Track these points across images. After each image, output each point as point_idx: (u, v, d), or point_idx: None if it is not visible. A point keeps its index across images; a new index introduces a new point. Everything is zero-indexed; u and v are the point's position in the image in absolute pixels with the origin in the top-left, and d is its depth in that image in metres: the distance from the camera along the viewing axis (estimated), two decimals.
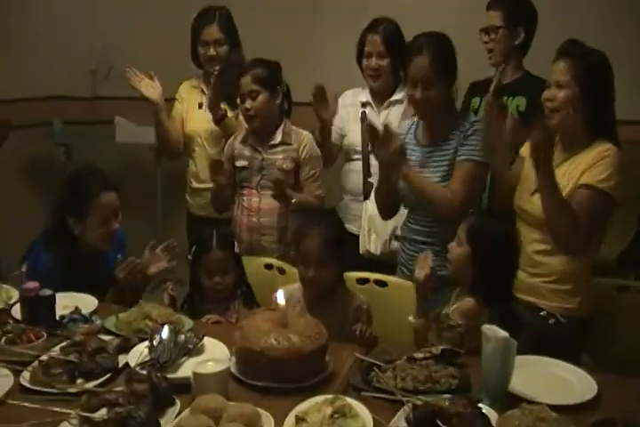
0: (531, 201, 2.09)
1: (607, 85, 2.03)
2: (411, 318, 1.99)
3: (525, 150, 2.23)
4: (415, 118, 2.40)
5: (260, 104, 2.53)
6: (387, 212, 2.48)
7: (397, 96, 2.76)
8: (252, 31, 3.87)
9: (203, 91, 2.94)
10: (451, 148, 2.25)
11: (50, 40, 4.11)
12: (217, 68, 2.72)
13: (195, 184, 2.99)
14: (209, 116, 2.78)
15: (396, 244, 2.65)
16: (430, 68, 2.18)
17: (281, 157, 2.57)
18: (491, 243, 1.90)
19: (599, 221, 2.03)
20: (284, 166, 2.56)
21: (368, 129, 2.25)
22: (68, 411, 1.44)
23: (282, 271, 2.46)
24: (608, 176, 1.98)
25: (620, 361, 2.23)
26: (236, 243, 2.61)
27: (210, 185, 2.75)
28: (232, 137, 2.72)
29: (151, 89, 2.88)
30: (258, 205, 2.59)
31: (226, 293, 2.26)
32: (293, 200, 2.51)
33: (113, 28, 4.12)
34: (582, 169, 2.00)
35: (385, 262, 2.57)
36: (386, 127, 2.18)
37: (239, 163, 2.64)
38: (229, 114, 2.80)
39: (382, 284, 2.36)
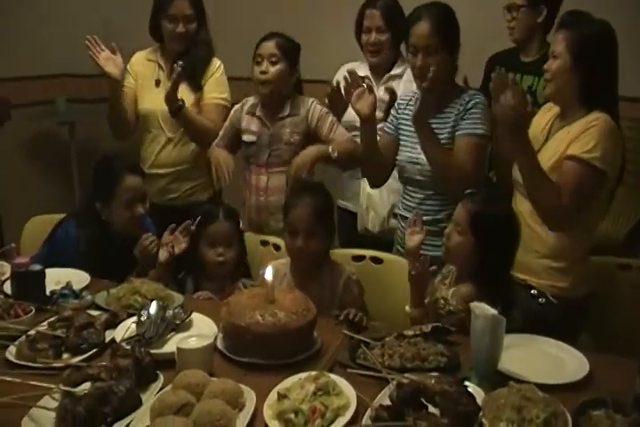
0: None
1: (605, 56, 1.94)
2: (407, 309, 1.95)
3: None
4: (416, 90, 2.35)
5: (278, 72, 2.45)
6: (372, 178, 2.44)
7: (397, 70, 2.72)
8: (247, 5, 3.85)
9: (160, 66, 2.75)
10: (450, 120, 2.22)
11: (51, 18, 4.09)
12: (180, 63, 2.48)
13: (148, 169, 2.70)
14: None
15: (394, 221, 2.63)
16: (430, 34, 2.14)
17: (288, 130, 2.49)
18: (494, 230, 1.85)
19: (585, 193, 1.92)
20: (292, 140, 2.49)
21: (332, 90, 2.26)
22: (50, 385, 1.43)
23: (277, 248, 2.44)
24: (593, 147, 1.88)
25: (620, 341, 2.20)
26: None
27: (167, 170, 2.68)
28: (239, 104, 2.61)
29: (112, 64, 2.60)
30: (266, 184, 2.52)
31: (227, 268, 2.22)
32: (330, 148, 2.40)
33: (114, 5, 4.09)
34: (569, 139, 1.94)
35: (382, 240, 2.54)
36: (368, 85, 2.17)
37: (247, 137, 2.55)
38: (190, 99, 2.65)
39: (378, 261, 2.34)
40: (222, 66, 2.73)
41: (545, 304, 2.02)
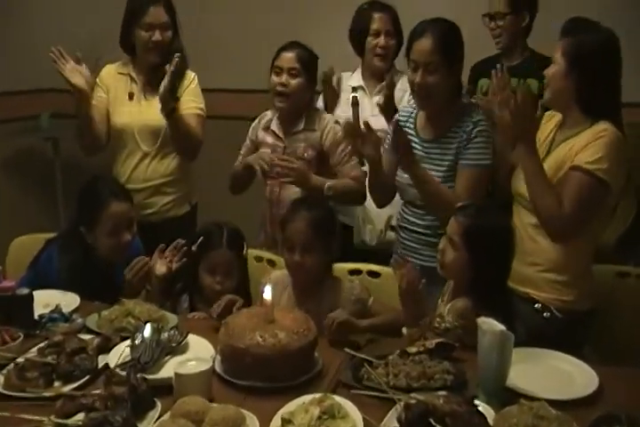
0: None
1: (605, 63, 1.91)
2: (404, 330, 1.89)
3: None
4: (413, 104, 2.31)
5: (297, 86, 2.39)
6: (379, 200, 2.40)
7: None
8: (237, 9, 3.77)
9: (133, 79, 2.64)
10: (453, 147, 2.16)
11: (36, 32, 4.02)
12: (178, 53, 2.41)
13: (125, 185, 2.56)
14: (142, 108, 2.57)
15: (391, 234, 2.59)
16: (432, 51, 2.08)
17: (303, 144, 2.44)
18: (488, 244, 1.80)
19: (589, 206, 1.89)
20: (305, 155, 2.43)
21: (346, 125, 2.17)
22: (41, 418, 1.36)
23: (272, 263, 2.39)
24: (599, 158, 1.86)
25: (623, 351, 2.16)
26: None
27: (144, 185, 2.60)
28: (257, 119, 2.58)
29: (78, 75, 2.46)
30: (278, 195, 2.48)
31: (224, 295, 2.06)
32: (326, 185, 2.36)
33: (100, 20, 4.02)
34: (576, 150, 1.91)
35: (378, 253, 2.50)
36: (366, 124, 2.10)
37: (262, 150, 2.52)
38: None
39: (375, 275, 2.30)
40: (196, 77, 2.68)
41: (550, 318, 1.97)
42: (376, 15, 2.68)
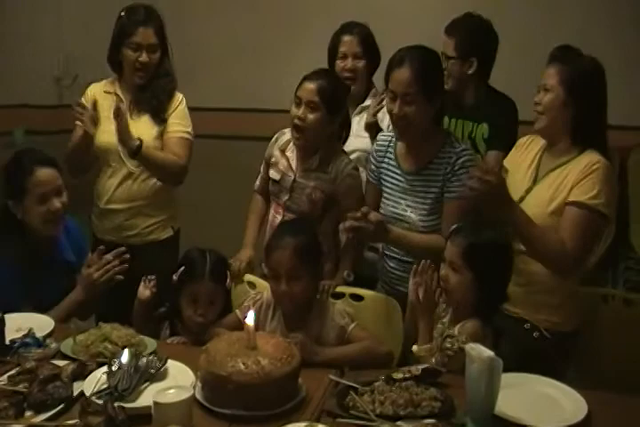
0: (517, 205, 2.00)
1: (596, 93, 1.96)
2: (415, 348, 1.85)
3: (508, 162, 2.17)
4: (392, 134, 2.28)
5: (314, 121, 2.25)
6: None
7: (369, 101, 2.67)
8: (215, 36, 3.77)
9: (119, 97, 2.59)
10: (437, 179, 2.12)
11: (14, 48, 3.97)
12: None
13: (102, 205, 2.60)
14: (132, 128, 2.47)
15: (370, 254, 2.55)
16: (410, 81, 2.03)
17: (312, 184, 2.33)
18: (489, 260, 1.80)
19: (592, 240, 1.95)
20: (313, 196, 2.33)
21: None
22: None
23: (252, 286, 2.34)
24: (598, 193, 1.89)
25: (606, 373, 2.15)
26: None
27: (125, 206, 2.55)
28: (274, 137, 2.47)
29: (92, 122, 2.45)
30: (278, 224, 2.37)
31: (206, 327, 2.01)
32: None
33: (76, 37, 3.99)
34: (571, 184, 1.92)
35: (360, 275, 2.45)
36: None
37: (272, 174, 2.43)
38: (153, 132, 2.53)
39: (358, 298, 2.25)
40: (184, 99, 2.63)
41: (538, 338, 1.97)
42: (345, 38, 2.65)
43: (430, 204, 2.13)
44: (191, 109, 2.68)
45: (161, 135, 2.55)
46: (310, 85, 2.26)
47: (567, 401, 1.61)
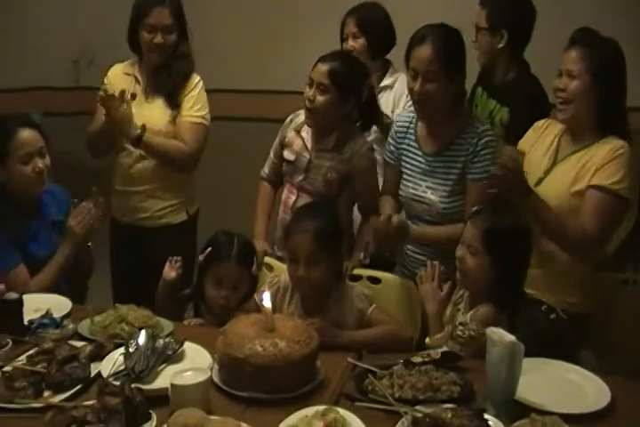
0: (534, 191, 1.96)
1: (620, 77, 1.92)
2: (427, 341, 1.82)
3: (524, 144, 2.13)
4: (411, 109, 2.24)
5: (324, 104, 2.22)
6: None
7: (386, 81, 2.64)
8: (229, 16, 3.73)
9: (137, 79, 2.56)
10: (459, 160, 2.09)
11: (27, 30, 3.96)
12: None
13: (119, 186, 2.59)
14: (142, 110, 2.45)
15: None
16: (432, 59, 2.00)
17: (328, 164, 2.30)
18: (509, 245, 1.76)
19: (613, 224, 1.93)
20: (329, 176, 2.30)
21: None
22: None
23: (270, 268, 2.32)
24: (622, 177, 1.87)
25: (625, 360, 2.12)
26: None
27: (138, 188, 2.53)
28: (288, 118, 2.44)
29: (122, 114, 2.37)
30: (293, 204, 2.37)
31: (229, 309, 1.99)
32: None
33: (92, 18, 3.97)
34: (594, 168, 1.89)
35: (376, 260, 2.42)
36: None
37: (286, 155, 2.40)
38: (166, 116, 2.48)
39: (375, 281, 2.23)
40: (202, 82, 2.59)
41: (555, 320, 1.95)
42: (347, 20, 2.66)
43: (451, 185, 2.10)
44: (207, 92, 2.64)
45: (174, 119, 2.51)
46: (322, 67, 2.23)
47: (589, 387, 1.58)
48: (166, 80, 2.48)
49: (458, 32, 2.10)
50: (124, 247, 2.65)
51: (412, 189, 2.15)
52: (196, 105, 2.53)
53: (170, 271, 2.07)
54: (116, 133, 2.48)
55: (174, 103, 2.49)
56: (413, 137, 2.20)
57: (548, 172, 2.00)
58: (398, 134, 2.24)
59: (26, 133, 2.11)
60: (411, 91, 2.09)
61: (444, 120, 2.11)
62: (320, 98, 2.22)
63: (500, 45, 2.44)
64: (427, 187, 2.14)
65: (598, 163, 1.89)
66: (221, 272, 2.00)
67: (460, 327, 1.73)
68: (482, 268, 1.77)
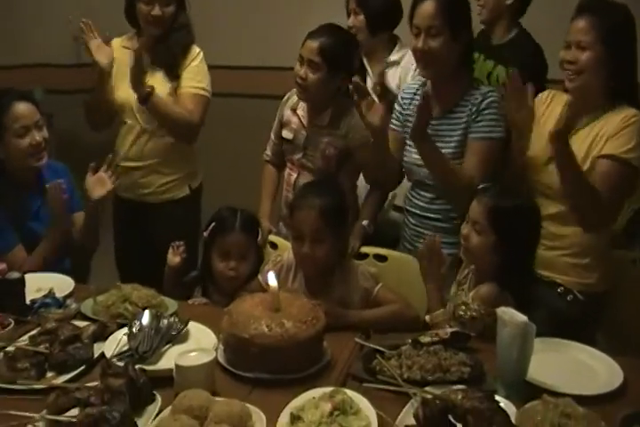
0: (545, 171, 1.92)
1: (631, 45, 1.85)
2: (427, 318, 1.80)
3: None
4: (420, 78, 2.19)
5: (316, 81, 2.19)
6: (385, 184, 2.31)
7: (393, 57, 2.57)
8: None
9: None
10: (461, 121, 2.05)
11: (29, 7, 3.89)
12: (142, 38, 2.33)
13: (121, 162, 2.54)
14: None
15: (395, 214, 2.49)
16: (434, 14, 1.96)
17: (325, 140, 2.27)
18: (515, 224, 1.73)
19: (623, 194, 1.87)
20: (327, 152, 2.28)
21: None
22: (33, 415, 1.27)
23: (274, 246, 2.29)
24: (634, 146, 1.80)
25: (633, 338, 2.10)
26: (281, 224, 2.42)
27: (140, 163, 2.51)
28: (285, 96, 2.42)
29: (103, 53, 2.42)
30: (294, 181, 2.35)
31: (238, 282, 1.99)
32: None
33: None
34: (606, 138, 1.83)
35: (381, 235, 2.39)
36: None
37: (285, 133, 2.38)
38: (166, 88, 2.44)
39: (382, 258, 2.20)
40: (202, 53, 2.54)
41: (572, 301, 1.92)
42: None
43: (454, 147, 2.06)
44: (211, 68, 2.59)
45: (175, 91, 2.48)
46: (312, 44, 2.19)
47: (601, 368, 1.56)
48: (165, 52, 2.44)
49: None
50: (127, 224, 2.64)
51: (416, 153, 2.10)
52: (196, 76, 2.50)
53: (174, 257, 2.06)
54: (107, 98, 2.48)
55: (174, 75, 2.46)
56: (419, 103, 2.15)
57: None
58: (404, 101, 2.20)
59: (21, 107, 2.09)
60: (414, 50, 2.05)
61: (448, 82, 2.07)
62: (312, 75, 2.20)
63: (509, 2, 2.45)
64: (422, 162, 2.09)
65: (610, 132, 1.83)
66: (227, 244, 2.00)
67: (462, 307, 1.71)
68: (486, 246, 1.74)
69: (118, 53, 2.53)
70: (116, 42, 2.59)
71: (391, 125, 2.24)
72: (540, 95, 2.05)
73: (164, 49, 2.44)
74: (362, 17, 2.54)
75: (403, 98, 2.22)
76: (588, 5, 1.85)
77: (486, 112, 2.02)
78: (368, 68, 2.61)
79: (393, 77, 2.58)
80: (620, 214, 1.98)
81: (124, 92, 2.48)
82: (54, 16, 3.87)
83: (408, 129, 2.16)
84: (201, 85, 2.50)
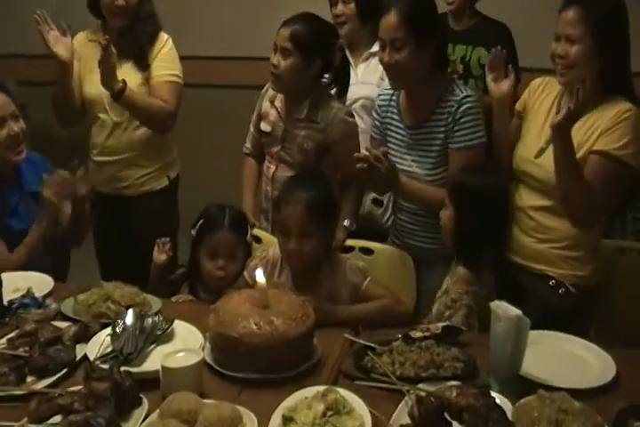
0: (536, 163, 1.89)
1: (624, 35, 1.80)
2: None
3: (520, 107, 2.04)
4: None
5: (288, 68, 2.14)
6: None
7: (375, 48, 2.50)
8: None
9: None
10: (440, 131, 2.00)
11: None
12: (107, 37, 2.22)
13: (97, 157, 2.52)
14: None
15: (373, 208, 2.46)
16: (397, 26, 1.90)
17: (303, 133, 2.22)
18: (472, 200, 1.77)
19: (616, 192, 1.83)
20: (305, 146, 2.23)
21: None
22: (12, 424, 1.21)
23: (258, 240, 2.25)
24: (627, 143, 1.76)
25: (620, 330, 2.08)
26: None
27: (116, 157, 2.46)
28: (266, 86, 2.35)
29: (61, 45, 2.34)
30: (272, 174, 2.31)
31: (227, 281, 1.94)
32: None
33: None
34: (598, 132, 1.79)
35: (360, 229, 2.35)
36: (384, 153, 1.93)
37: (263, 126, 2.33)
38: (137, 79, 2.40)
39: (368, 252, 2.16)
40: (170, 40, 2.49)
41: (564, 294, 1.90)
42: None
43: (435, 157, 2.03)
44: (186, 58, 2.54)
45: (147, 81, 2.43)
46: (285, 31, 2.15)
47: (594, 360, 1.54)
48: (133, 42, 2.40)
49: None
50: (107, 218, 2.58)
51: (398, 164, 2.05)
52: (168, 64, 2.45)
53: (159, 255, 2.00)
54: (71, 92, 2.42)
55: (144, 65, 2.41)
56: (395, 109, 2.11)
57: (549, 142, 1.90)
58: (382, 108, 2.15)
59: None
60: (381, 61, 2.00)
61: (422, 89, 2.02)
62: (283, 63, 2.15)
63: None
64: (412, 160, 2.06)
65: (602, 127, 1.79)
66: (215, 242, 1.94)
67: (444, 297, 1.74)
68: (449, 220, 1.81)
69: (84, 47, 2.48)
70: (81, 35, 2.54)
71: (372, 133, 2.21)
72: (532, 83, 2.02)
73: (132, 39, 2.39)
74: (352, 5, 2.49)
75: (380, 105, 2.16)
76: None
77: (463, 120, 1.98)
78: (351, 60, 2.56)
79: (376, 68, 2.53)
80: (608, 213, 1.95)
81: (93, 86, 2.42)
82: (24, 5, 3.76)
83: (388, 137, 2.13)
84: (174, 72, 2.46)
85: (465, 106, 1.98)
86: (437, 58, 2.01)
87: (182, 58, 2.53)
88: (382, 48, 1.97)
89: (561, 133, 1.71)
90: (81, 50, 2.48)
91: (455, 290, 1.76)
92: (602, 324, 2.08)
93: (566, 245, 1.89)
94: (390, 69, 1.98)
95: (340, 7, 2.51)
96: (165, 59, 2.45)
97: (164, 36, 2.47)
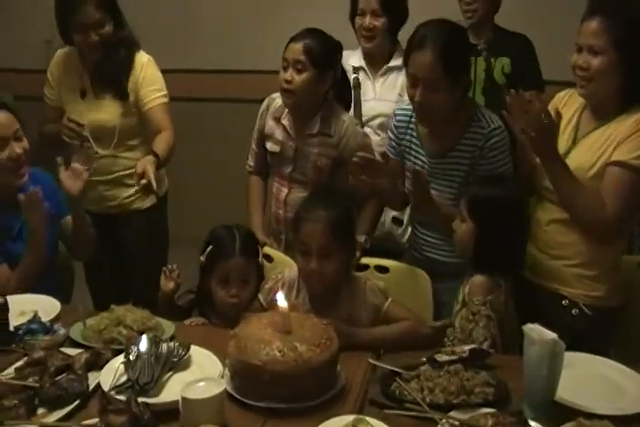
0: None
1: None
2: (430, 325, 1.76)
3: None
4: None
5: (303, 82, 2.09)
6: (395, 207, 2.26)
7: (396, 62, 2.45)
8: None
9: (80, 75, 2.42)
10: (464, 163, 1.92)
11: (2, 10, 3.74)
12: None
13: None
14: (92, 106, 2.36)
15: (393, 226, 2.40)
16: (433, 67, 1.79)
17: (316, 150, 2.16)
18: (493, 213, 1.73)
19: (634, 204, 1.76)
20: (319, 163, 2.16)
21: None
22: None
23: (269, 259, 2.18)
24: None
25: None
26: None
27: (101, 177, 2.38)
28: (264, 104, 2.28)
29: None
30: (285, 197, 2.24)
31: (240, 307, 1.85)
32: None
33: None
34: (616, 143, 1.74)
35: (379, 248, 2.27)
36: (383, 155, 1.90)
37: (270, 146, 2.25)
38: (118, 109, 2.37)
39: (383, 270, 2.10)
40: (151, 61, 2.43)
41: (578, 316, 1.83)
42: None
43: (457, 187, 1.95)
44: (177, 71, 2.52)
45: (130, 110, 2.38)
46: (296, 45, 2.11)
47: (629, 384, 1.48)
48: (110, 73, 2.35)
49: (460, 29, 1.94)
50: (95, 237, 2.49)
51: None
52: (155, 86, 2.40)
53: (167, 283, 1.90)
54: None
55: (123, 93, 2.36)
56: (415, 133, 2.03)
57: (567, 153, 1.85)
58: (399, 129, 2.07)
59: None
60: (411, 98, 1.91)
61: (447, 122, 1.94)
62: (298, 77, 2.09)
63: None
64: (432, 189, 1.98)
65: (620, 137, 1.74)
66: (227, 268, 1.85)
67: (463, 311, 1.70)
68: (467, 234, 1.76)
69: (63, 74, 2.44)
70: (59, 56, 2.50)
71: (388, 153, 2.11)
72: (557, 95, 1.98)
73: (109, 70, 2.35)
74: (384, 19, 2.43)
75: (397, 127, 2.08)
76: (599, 5, 1.76)
77: (491, 154, 1.90)
78: (369, 75, 2.51)
79: (394, 84, 2.49)
80: (629, 228, 1.90)
81: (76, 117, 2.35)
82: (21, 21, 3.72)
83: (408, 161, 2.05)
84: (163, 93, 2.43)
85: (493, 140, 1.90)
86: (465, 91, 1.96)
87: (166, 71, 2.49)
88: (413, 85, 1.86)
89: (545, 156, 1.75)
90: (60, 76, 2.44)
91: (473, 303, 1.70)
92: (621, 346, 2.01)
93: (580, 262, 1.83)
94: (420, 108, 1.89)
95: (369, 20, 2.43)
96: (153, 81, 2.40)
97: (143, 58, 2.41)
